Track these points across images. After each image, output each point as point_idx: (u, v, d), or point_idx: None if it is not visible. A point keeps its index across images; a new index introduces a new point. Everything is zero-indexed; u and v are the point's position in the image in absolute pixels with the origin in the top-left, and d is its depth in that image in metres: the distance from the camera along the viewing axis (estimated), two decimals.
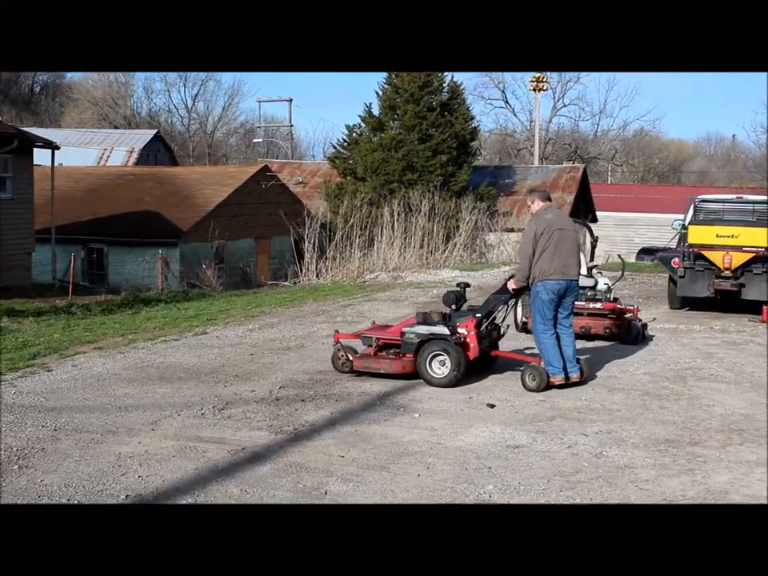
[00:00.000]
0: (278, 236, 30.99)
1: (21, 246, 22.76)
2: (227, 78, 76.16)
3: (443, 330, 8.82)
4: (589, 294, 11.71)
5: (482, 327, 9.02)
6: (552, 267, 8.56)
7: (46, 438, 6.82)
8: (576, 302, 11.42)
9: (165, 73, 75.97)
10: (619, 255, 15.48)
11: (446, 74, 33.97)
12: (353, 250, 25.16)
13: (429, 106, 33.01)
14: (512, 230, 33.56)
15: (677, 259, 14.80)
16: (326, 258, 25.28)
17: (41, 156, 24.24)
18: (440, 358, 8.73)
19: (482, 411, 7.76)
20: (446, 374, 8.69)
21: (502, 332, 9.55)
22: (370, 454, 6.41)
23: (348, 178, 33.77)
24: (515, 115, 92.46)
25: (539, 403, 8.05)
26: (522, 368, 8.92)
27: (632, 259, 33.56)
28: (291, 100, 58.85)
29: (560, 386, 8.56)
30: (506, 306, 9.37)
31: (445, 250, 27.59)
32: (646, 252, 38.02)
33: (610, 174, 73.00)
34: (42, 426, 7.17)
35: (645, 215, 47.74)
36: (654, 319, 13.56)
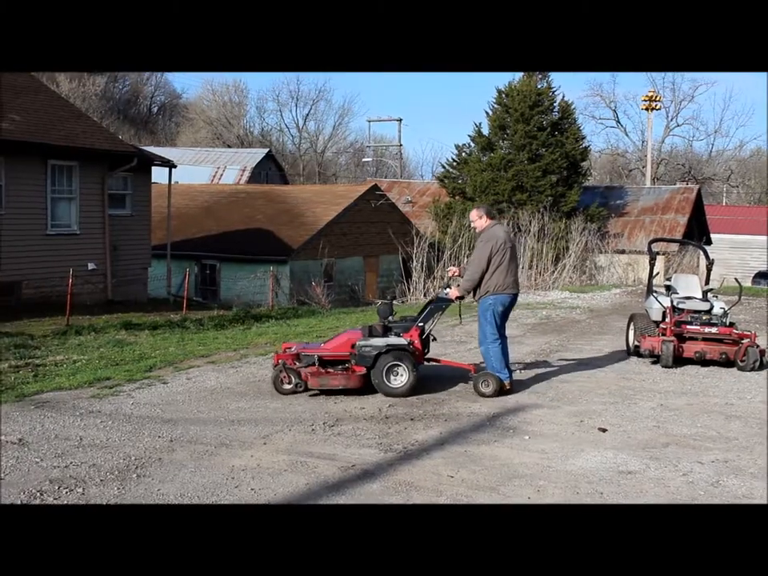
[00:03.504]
0: (387, 255, 31.22)
1: (138, 261, 23.45)
2: (338, 98, 77.20)
3: (400, 340, 9.06)
4: (704, 318, 11.41)
5: (425, 335, 9.38)
6: (507, 282, 9.22)
7: (162, 448, 6.99)
8: (690, 327, 11.23)
9: (277, 93, 77.41)
10: (736, 279, 15.07)
11: (556, 93, 33.81)
12: None
13: (539, 125, 32.88)
14: (623, 252, 33.10)
15: None
16: (434, 278, 25.31)
17: (157, 174, 24.96)
18: (396, 368, 8.97)
19: (593, 435, 7.64)
20: (403, 383, 8.96)
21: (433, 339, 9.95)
22: (480, 475, 6.37)
23: (457, 197, 33.84)
24: (627, 135, 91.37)
25: (652, 429, 7.88)
26: (473, 377, 9.33)
27: (748, 283, 32.61)
28: (401, 120, 59.45)
29: (506, 393, 9.16)
30: (441, 315, 9.76)
31: (554, 271, 27.34)
32: (763, 276, 36.96)
33: (725, 195, 71.22)
34: (159, 436, 7.35)
35: (761, 238, 46.35)
36: None
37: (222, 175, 51.22)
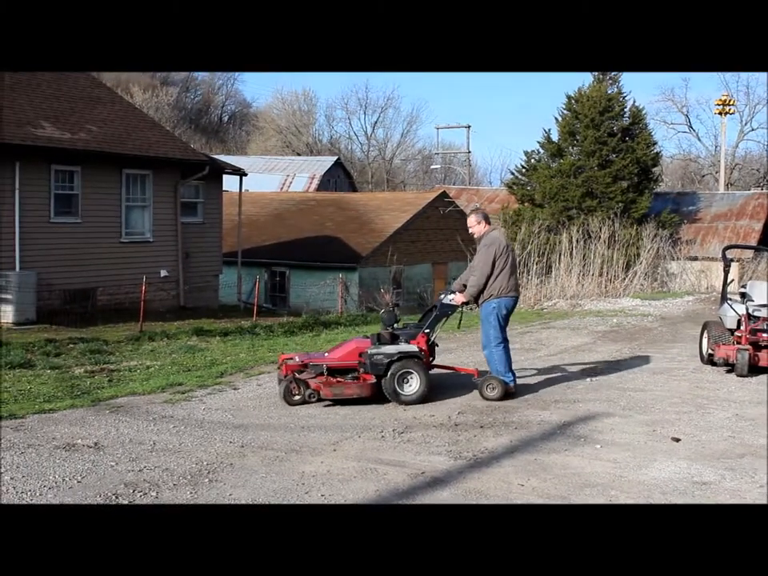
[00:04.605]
0: (455, 261, 31.15)
1: (209, 269, 23.78)
2: (406, 105, 77.31)
3: (411, 347, 9.04)
4: None
5: (430, 342, 9.38)
6: (510, 285, 9.35)
7: (233, 453, 7.06)
8: (766, 335, 10.97)
9: (346, 101, 77.87)
10: None
11: (627, 98, 33.43)
12: (530, 277, 24.93)
13: (609, 131, 32.50)
14: (695, 259, 32.56)
15: None
16: None
17: (228, 182, 25.28)
18: (408, 375, 8.96)
19: (666, 444, 7.51)
20: (415, 390, 8.95)
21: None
22: (551, 484, 6.31)
23: (526, 204, 33.62)
24: (699, 140, 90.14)
25: (727, 439, 7.73)
26: (476, 381, 9.37)
27: None
28: (469, 126, 59.28)
29: (511, 396, 9.15)
30: (445, 322, 9.71)
31: (624, 278, 26.95)
32: None
33: None
34: (230, 442, 7.44)
35: None
36: None
37: (291, 183, 51.65)
